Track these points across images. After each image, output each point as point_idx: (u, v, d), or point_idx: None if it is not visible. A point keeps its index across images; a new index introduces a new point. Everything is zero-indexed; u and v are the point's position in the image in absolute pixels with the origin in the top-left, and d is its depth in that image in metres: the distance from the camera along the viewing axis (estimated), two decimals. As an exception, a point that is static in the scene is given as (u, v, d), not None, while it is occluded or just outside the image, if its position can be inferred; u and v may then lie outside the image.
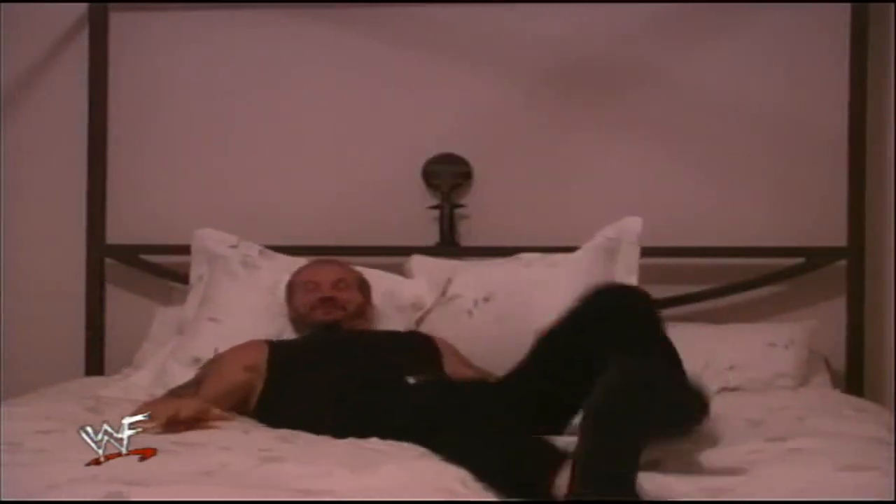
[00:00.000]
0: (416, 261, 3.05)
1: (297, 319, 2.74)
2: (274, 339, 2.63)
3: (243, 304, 2.84)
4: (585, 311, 2.18)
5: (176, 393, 2.43)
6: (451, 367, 2.57)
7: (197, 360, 2.66)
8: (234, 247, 3.02)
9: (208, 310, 2.89)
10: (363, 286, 2.78)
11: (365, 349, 2.52)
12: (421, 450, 1.93)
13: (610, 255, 2.90)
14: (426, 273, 2.99)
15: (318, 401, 2.28)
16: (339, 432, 2.10)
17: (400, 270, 3.03)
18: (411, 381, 2.29)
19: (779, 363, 2.84)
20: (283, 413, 2.35)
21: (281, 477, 1.71)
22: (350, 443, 2.00)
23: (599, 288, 2.23)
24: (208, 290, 2.96)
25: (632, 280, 2.83)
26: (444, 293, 2.91)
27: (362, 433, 2.05)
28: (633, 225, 2.93)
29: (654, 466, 1.85)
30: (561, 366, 2.15)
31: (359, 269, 2.85)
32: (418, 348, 2.61)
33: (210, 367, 2.50)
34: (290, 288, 2.78)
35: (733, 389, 2.76)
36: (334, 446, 1.98)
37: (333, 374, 2.34)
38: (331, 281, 2.70)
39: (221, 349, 2.58)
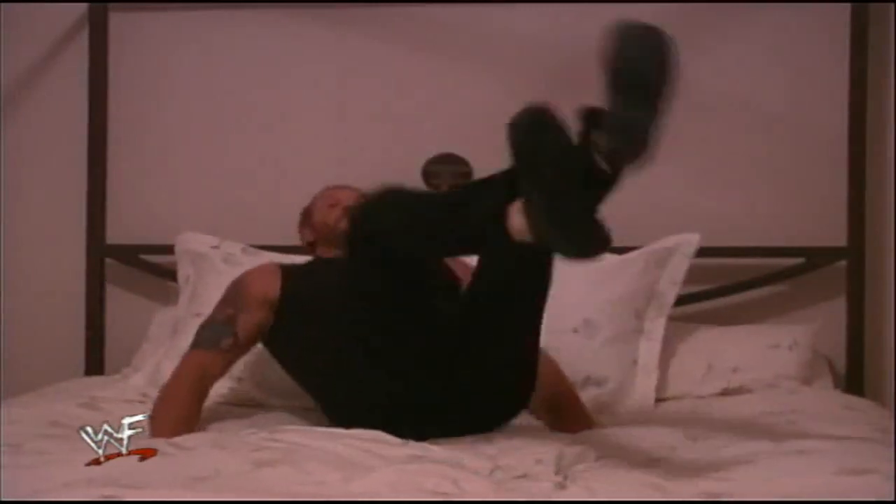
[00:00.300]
0: None
1: (316, 240, 2.70)
2: (286, 264, 2.58)
3: None
4: None
5: (214, 344, 2.37)
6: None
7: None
8: (215, 247, 3.04)
9: (195, 306, 2.90)
10: None
11: None
12: (415, 451, 1.93)
13: (660, 263, 2.89)
14: None
15: (328, 354, 2.31)
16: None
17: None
18: None
19: (782, 364, 2.84)
20: (292, 352, 2.41)
21: (273, 482, 1.71)
22: (343, 442, 1.99)
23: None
24: (196, 289, 2.98)
25: (673, 291, 2.86)
26: None
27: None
28: (691, 239, 2.92)
29: (653, 467, 1.85)
30: None
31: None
32: None
33: (238, 304, 2.43)
34: (308, 211, 2.76)
35: (736, 390, 2.76)
36: (325, 447, 1.97)
37: (344, 325, 2.31)
38: (350, 198, 2.66)
39: None
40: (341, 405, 2.30)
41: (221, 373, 2.40)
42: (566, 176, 1.80)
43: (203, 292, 2.93)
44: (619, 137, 1.80)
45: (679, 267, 2.89)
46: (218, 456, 1.85)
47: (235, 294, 2.46)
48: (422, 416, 2.11)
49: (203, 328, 2.44)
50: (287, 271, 2.50)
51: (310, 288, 2.46)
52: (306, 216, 2.77)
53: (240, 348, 2.41)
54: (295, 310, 2.42)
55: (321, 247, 2.69)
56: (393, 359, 2.18)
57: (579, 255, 1.82)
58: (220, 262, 2.99)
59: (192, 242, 3.10)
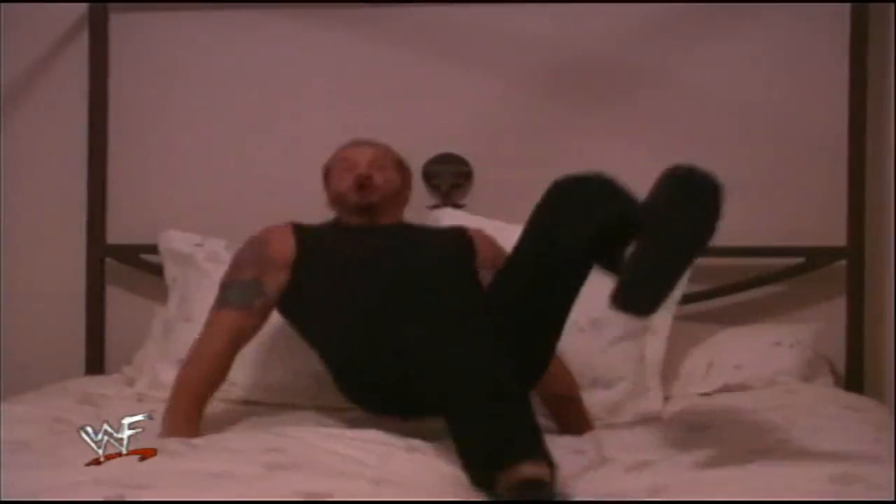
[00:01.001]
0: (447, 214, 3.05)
1: (335, 201, 2.67)
2: (300, 224, 2.56)
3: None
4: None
5: (247, 304, 2.35)
6: (483, 265, 2.51)
7: (180, 361, 2.66)
8: (199, 245, 3.04)
9: (185, 310, 2.90)
10: (401, 167, 2.72)
11: (392, 254, 2.45)
12: (414, 448, 1.94)
13: None
14: None
15: (337, 318, 2.31)
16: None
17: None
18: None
19: (783, 362, 2.85)
20: (304, 316, 2.41)
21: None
22: (346, 442, 1.99)
23: None
24: (185, 290, 2.98)
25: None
26: None
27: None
28: None
29: (650, 465, 1.85)
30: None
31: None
32: (451, 249, 2.57)
33: (262, 264, 2.42)
34: (327, 169, 2.73)
35: (737, 387, 2.77)
36: (327, 447, 1.97)
37: (356, 289, 2.33)
38: (367, 160, 2.63)
39: None
40: (352, 372, 2.30)
41: (252, 334, 2.37)
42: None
43: (193, 293, 2.92)
44: (630, 295, 1.90)
45: None
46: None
47: (258, 254, 2.44)
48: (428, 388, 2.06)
49: (229, 287, 2.41)
50: (301, 232, 2.50)
51: (323, 253, 2.45)
52: (326, 176, 2.73)
53: (269, 309, 2.39)
54: (308, 273, 2.41)
55: (339, 211, 2.67)
56: (405, 327, 2.09)
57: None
58: (204, 262, 2.97)
59: (174, 241, 3.10)
